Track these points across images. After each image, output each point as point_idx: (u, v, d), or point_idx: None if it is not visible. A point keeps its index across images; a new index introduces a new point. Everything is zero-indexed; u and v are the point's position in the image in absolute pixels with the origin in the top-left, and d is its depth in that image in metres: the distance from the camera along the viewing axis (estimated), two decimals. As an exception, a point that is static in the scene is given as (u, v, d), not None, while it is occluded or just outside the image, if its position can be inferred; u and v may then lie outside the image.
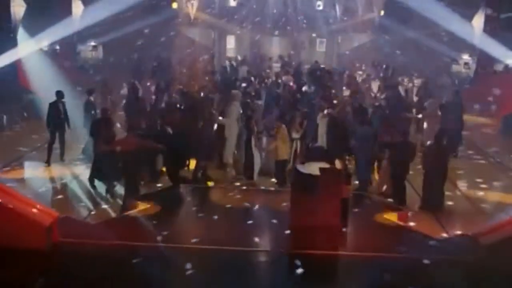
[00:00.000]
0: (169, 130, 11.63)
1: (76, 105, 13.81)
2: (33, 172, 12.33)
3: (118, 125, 12.89)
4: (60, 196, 10.76)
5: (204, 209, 10.27)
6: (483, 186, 11.86)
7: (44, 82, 16.77)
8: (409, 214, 10.04)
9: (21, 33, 18.67)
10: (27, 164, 12.99)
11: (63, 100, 12.86)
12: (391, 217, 9.93)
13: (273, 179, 11.78)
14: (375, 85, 18.70)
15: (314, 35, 28.44)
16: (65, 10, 20.86)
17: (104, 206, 10.18)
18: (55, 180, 11.86)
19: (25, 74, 18.33)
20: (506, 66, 20.90)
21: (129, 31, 21.52)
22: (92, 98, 13.79)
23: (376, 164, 11.87)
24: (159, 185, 11.40)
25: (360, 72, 21.44)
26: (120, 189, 10.64)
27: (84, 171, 11.74)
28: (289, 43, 28.39)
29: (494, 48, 19.68)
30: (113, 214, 9.83)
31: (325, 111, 12.66)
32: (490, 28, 20.99)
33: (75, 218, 9.49)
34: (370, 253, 8.41)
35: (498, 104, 18.41)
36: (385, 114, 12.81)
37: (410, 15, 22.41)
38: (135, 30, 21.90)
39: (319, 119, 12.65)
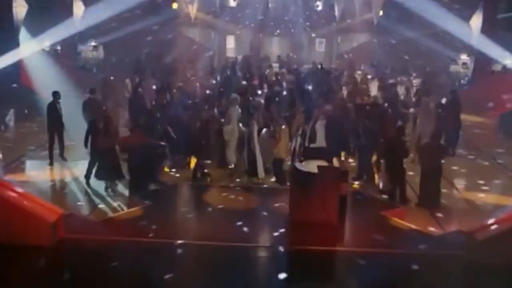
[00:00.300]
0: (169, 128, 11.78)
1: (77, 105, 13.91)
2: (37, 171, 12.45)
3: (120, 123, 13.00)
4: (62, 193, 10.95)
5: (202, 207, 10.36)
6: (484, 188, 11.92)
7: (46, 81, 16.92)
8: (405, 210, 10.20)
9: (23, 34, 18.86)
10: (31, 163, 13.09)
11: (59, 100, 12.90)
12: (389, 213, 10.05)
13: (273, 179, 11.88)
14: (374, 85, 18.82)
15: (313, 35, 28.59)
16: (66, 10, 21.10)
17: (102, 205, 10.23)
18: (56, 179, 11.94)
19: (27, 74, 18.49)
20: (504, 67, 21.08)
21: (129, 31, 21.72)
22: (93, 97, 13.91)
23: (374, 161, 12.00)
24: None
25: (359, 72, 21.55)
26: (120, 187, 10.83)
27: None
28: (289, 43, 28.49)
29: (492, 49, 19.87)
30: (113, 212, 9.91)
31: (324, 110, 12.77)
32: (488, 29, 21.14)
33: (80, 215, 9.63)
34: (367, 249, 8.53)
35: (496, 103, 18.58)
36: (382, 112, 12.89)
37: (409, 16, 22.54)
38: (135, 30, 22.06)
39: (318, 118, 12.76)
